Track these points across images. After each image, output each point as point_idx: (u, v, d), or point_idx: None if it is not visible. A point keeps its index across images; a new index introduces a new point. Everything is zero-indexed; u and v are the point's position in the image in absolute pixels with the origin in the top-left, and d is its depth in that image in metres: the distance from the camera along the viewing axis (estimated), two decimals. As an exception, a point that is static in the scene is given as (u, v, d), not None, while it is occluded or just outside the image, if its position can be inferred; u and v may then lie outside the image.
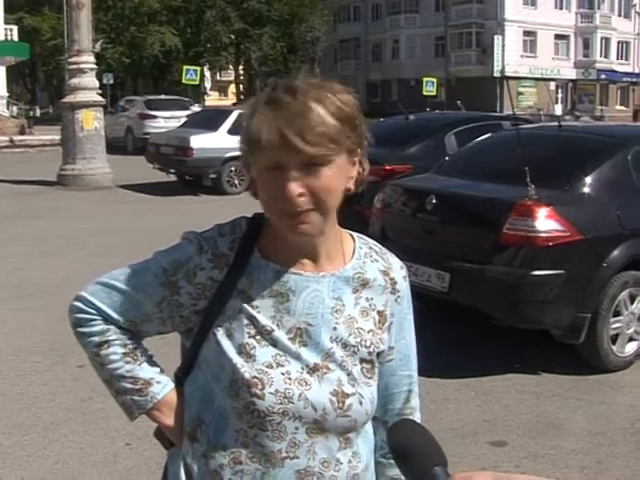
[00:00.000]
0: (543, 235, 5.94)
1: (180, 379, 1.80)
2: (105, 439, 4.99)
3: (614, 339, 6.26)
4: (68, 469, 4.64)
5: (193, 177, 18.48)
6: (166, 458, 1.86)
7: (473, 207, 6.58)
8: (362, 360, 1.72)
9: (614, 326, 6.25)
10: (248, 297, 1.68)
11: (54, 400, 5.66)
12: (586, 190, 6.36)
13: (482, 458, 4.80)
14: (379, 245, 1.84)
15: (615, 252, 6.13)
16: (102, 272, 1.79)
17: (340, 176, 1.61)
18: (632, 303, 6.34)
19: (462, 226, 6.56)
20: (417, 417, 1.87)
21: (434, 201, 6.61)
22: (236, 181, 17.72)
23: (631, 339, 6.39)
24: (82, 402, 5.54)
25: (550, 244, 5.94)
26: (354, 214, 7.19)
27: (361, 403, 1.69)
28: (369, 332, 1.74)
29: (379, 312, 1.76)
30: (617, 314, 6.26)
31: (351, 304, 1.73)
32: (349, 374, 1.69)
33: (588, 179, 6.38)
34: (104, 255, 10.34)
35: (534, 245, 5.96)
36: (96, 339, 1.76)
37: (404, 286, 1.82)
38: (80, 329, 1.78)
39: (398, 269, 1.82)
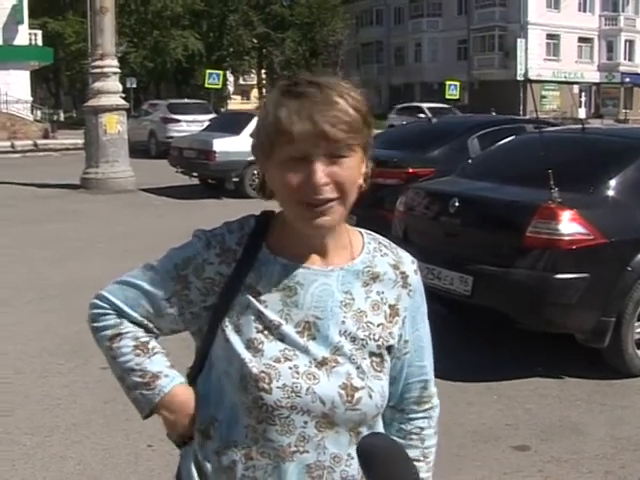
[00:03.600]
0: (567, 238, 5.90)
1: (193, 378, 1.80)
2: (127, 440, 5.00)
3: (639, 343, 6.21)
4: (90, 470, 4.66)
5: (216, 180, 18.53)
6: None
7: (496, 210, 6.55)
8: (371, 354, 1.73)
9: (639, 330, 6.19)
10: (256, 292, 1.70)
11: (76, 402, 5.69)
12: (610, 193, 6.31)
13: (504, 462, 4.77)
14: (388, 240, 1.86)
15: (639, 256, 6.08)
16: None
17: (358, 169, 1.66)
18: (657, 307, 6.27)
19: (485, 229, 6.52)
20: (435, 403, 1.92)
21: (457, 204, 6.59)
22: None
23: (656, 343, 6.33)
24: (104, 404, 5.55)
25: (574, 247, 5.90)
26: (377, 218, 7.21)
27: (371, 397, 1.70)
28: (379, 326, 1.74)
29: (390, 306, 1.77)
30: (642, 318, 6.20)
31: (361, 298, 1.74)
32: (358, 367, 1.70)
33: (612, 182, 6.33)
34: (126, 258, 10.37)
35: (558, 248, 5.92)
36: (109, 332, 1.78)
37: (415, 279, 1.83)
38: (94, 324, 1.81)
39: (409, 263, 1.83)
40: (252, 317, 1.69)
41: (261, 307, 1.69)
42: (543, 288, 5.92)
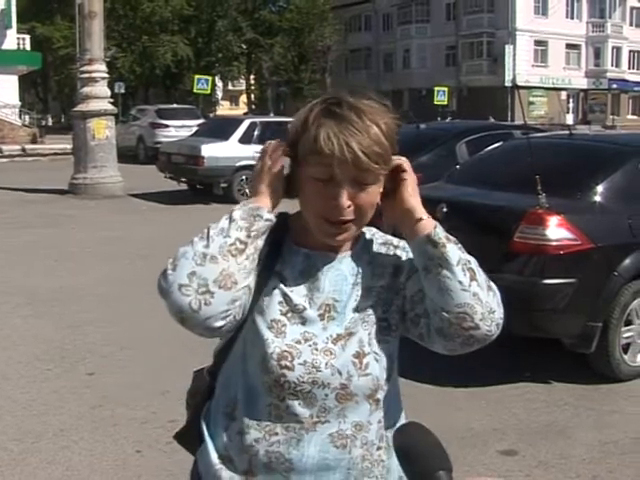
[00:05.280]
0: (554, 244, 5.92)
1: (218, 363, 1.89)
2: (115, 446, 4.98)
3: (625, 348, 6.23)
4: (78, 476, 4.64)
5: (204, 186, 18.51)
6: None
7: (484, 215, 6.56)
8: (379, 319, 1.83)
9: (625, 335, 6.21)
10: (283, 277, 1.82)
11: (64, 407, 5.67)
12: (597, 199, 6.34)
13: (492, 467, 4.78)
14: (380, 232, 1.99)
15: (626, 261, 6.10)
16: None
17: (379, 192, 1.79)
18: (644, 312, 6.30)
19: (473, 234, 6.50)
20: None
21: (445, 209, 6.59)
22: (247, 190, 17.70)
23: (643, 348, 6.36)
24: (92, 409, 5.55)
25: (561, 253, 5.92)
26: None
27: (377, 360, 1.80)
28: (384, 288, 1.85)
29: (394, 266, 1.88)
30: (628, 323, 6.22)
31: (367, 274, 1.86)
32: (369, 334, 1.81)
33: (599, 187, 6.36)
34: (115, 263, 10.34)
35: (545, 254, 5.94)
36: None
37: (407, 249, 1.89)
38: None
39: (398, 241, 1.94)
40: (278, 299, 1.80)
41: (287, 291, 1.81)
42: (530, 293, 5.94)
